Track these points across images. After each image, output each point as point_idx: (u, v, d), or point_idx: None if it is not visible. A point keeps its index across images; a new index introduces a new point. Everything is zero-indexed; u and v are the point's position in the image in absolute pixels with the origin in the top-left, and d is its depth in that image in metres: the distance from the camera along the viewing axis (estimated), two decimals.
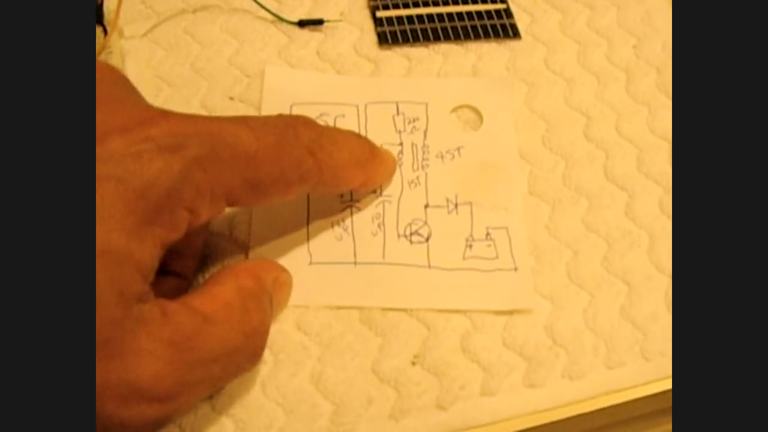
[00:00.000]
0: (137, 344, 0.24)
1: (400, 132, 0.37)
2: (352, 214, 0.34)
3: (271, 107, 0.37)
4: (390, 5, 0.41)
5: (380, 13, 0.41)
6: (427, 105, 0.37)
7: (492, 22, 0.41)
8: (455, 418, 0.30)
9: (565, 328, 0.32)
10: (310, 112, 0.37)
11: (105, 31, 0.38)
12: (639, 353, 0.31)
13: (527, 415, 0.30)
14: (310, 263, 0.33)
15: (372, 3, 0.41)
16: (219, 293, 0.27)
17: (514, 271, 0.33)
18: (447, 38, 0.40)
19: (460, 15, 0.41)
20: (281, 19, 0.40)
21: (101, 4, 0.38)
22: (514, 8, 0.41)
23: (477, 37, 0.40)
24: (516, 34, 0.40)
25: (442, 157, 0.36)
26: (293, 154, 0.28)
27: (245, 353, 0.27)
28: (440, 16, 0.41)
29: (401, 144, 0.36)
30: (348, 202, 0.34)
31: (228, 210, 0.28)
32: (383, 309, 0.32)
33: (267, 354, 0.30)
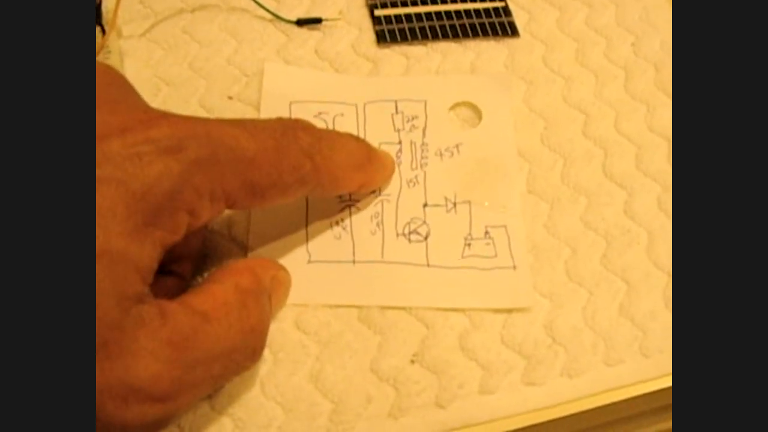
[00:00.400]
0: (137, 345, 0.24)
1: (398, 130, 0.37)
2: (350, 213, 0.34)
3: (270, 105, 0.37)
4: (388, 3, 0.41)
5: (378, 12, 0.41)
6: (425, 102, 0.37)
7: (490, 20, 0.41)
8: (454, 416, 0.30)
9: (564, 326, 0.32)
10: (309, 111, 0.37)
11: (103, 31, 0.38)
12: (638, 351, 0.31)
13: (526, 413, 0.30)
14: (309, 262, 0.33)
15: (370, 1, 0.41)
16: (217, 292, 0.27)
17: (513, 269, 0.33)
18: (445, 36, 0.40)
19: (458, 13, 0.41)
20: (280, 18, 0.40)
21: (99, 4, 0.38)
22: (512, 6, 0.41)
23: (475, 35, 0.40)
24: (514, 32, 0.40)
25: (441, 154, 0.36)
26: (292, 158, 0.28)
27: (244, 351, 0.27)
28: (438, 14, 0.41)
29: (400, 142, 0.36)
30: (347, 201, 0.34)
31: (227, 210, 0.28)
32: (382, 308, 0.32)
33: (266, 353, 0.30)
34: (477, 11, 0.41)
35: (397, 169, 0.35)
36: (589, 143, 0.37)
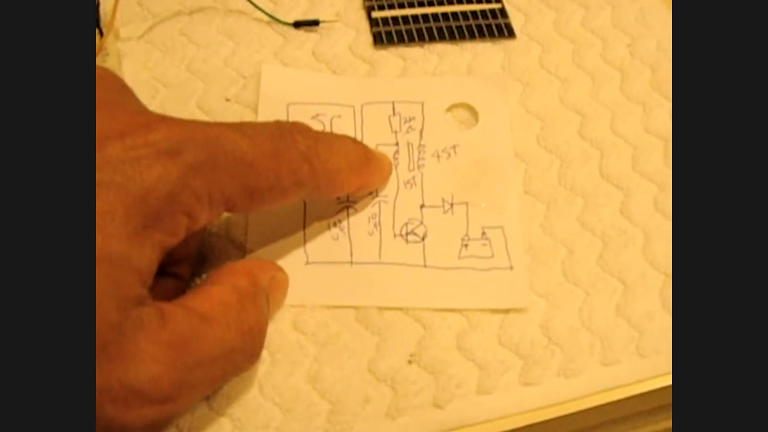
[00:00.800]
0: (136, 347, 0.24)
1: (396, 132, 0.37)
2: (348, 214, 0.34)
3: (267, 106, 0.37)
4: (385, 6, 0.41)
5: (375, 14, 0.41)
6: (422, 104, 0.37)
7: (487, 21, 0.41)
8: (451, 416, 0.30)
9: (560, 327, 0.32)
10: (307, 112, 0.37)
11: (101, 33, 0.38)
12: (635, 351, 0.32)
13: (523, 413, 0.30)
14: (307, 263, 0.33)
15: (367, 3, 0.41)
16: (215, 293, 0.27)
17: (510, 269, 0.33)
18: (442, 38, 0.40)
19: (455, 15, 0.41)
20: (277, 20, 0.40)
21: (97, 6, 0.38)
22: (508, 8, 0.42)
23: (472, 36, 0.40)
24: (511, 34, 0.41)
25: (438, 156, 0.36)
26: (290, 161, 0.28)
27: (243, 353, 0.27)
28: (435, 16, 0.41)
29: (397, 144, 0.36)
30: (344, 202, 0.34)
31: (225, 213, 0.28)
32: (379, 308, 0.32)
33: (264, 353, 0.30)
34: (474, 13, 0.41)
35: (394, 171, 0.35)
36: (585, 144, 0.37)
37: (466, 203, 0.35)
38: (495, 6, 0.42)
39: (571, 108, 0.38)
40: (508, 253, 0.33)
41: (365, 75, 0.39)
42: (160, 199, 0.25)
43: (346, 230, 0.34)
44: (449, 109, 0.38)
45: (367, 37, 0.40)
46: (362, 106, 0.37)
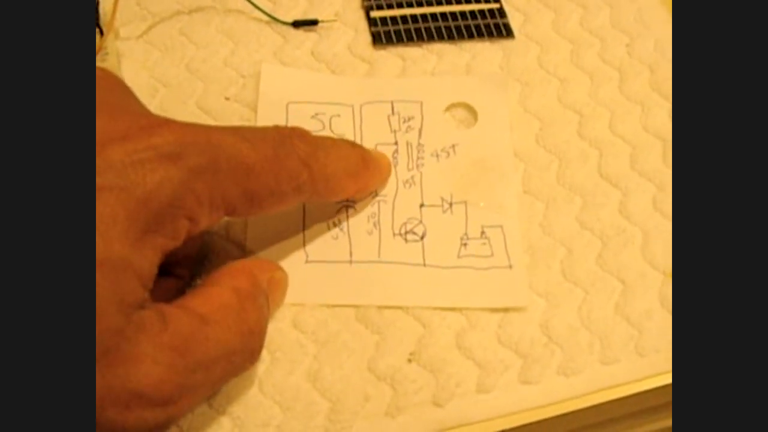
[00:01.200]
0: (138, 351, 0.24)
1: (395, 131, 0.37)
2: (347, 213, 0.34)
3: (266, 106, 0.37)
4: (384, 5, 0.41)
5: (374, 14, 0.41)
6: (421, 103, 0.37)
7: (485, 21, 0.41)
8: (451, 414, 0.30)
9: (560, 326, 0.32)
10: (306, 112, 0.37)
11: (101, 33, 0.38)
12: (634, 350, 0.32)
13: (523, 411, 0.30)
14: (307, 262, 0.33)
15: (366, 3, 0.41)
16: (215, 294, 0.27)
17: (509, 268, 0.33)
18: (441, 38, 0.40)
19: (453, 15, 0.41)
20: (276, 20, 0.40)
21: (97, 6, 0.38)
22: (507, 8, 0.42)
23: (471, 36, 0.40)
24: (509, 34, 0.41)
25: (437, 155, 0.36)
26: (289, 167, 0.29)
27: (244, 353, 0.27)
28: (434, 15, 0.41)
29: (396, 143, 0.36)
30: (344, 202, 0.34)
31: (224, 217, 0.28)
32: (379, 307, 0.32)
33: (264, 352, 0.30)
34: (472, 13, 0.41)
35: (393, 170, 0.35)
36: (584, 144, 0.37)
37: (465, 202, 0.35)
38: (494, 6, 0.42)
39: (570, 107, 0.38)
40: (508, 252, 0.34)
41: (364, 74, 0.39)
42: (162, 203, 0.25)
43: (345, 229, 0.34)
44: (448, 108, 0.38)
45: (366, 36, 0.40)
46: (361, 106, 0.37)
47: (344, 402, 0.30)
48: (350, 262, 0.33)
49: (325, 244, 0.33)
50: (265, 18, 0.40)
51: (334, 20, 0.41)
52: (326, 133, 0.36)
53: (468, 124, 0.38)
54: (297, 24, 0.40)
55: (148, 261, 0.25)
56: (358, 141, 0.36)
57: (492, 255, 0.33)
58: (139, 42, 0.39)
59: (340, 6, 0.41)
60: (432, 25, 0.40)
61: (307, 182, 0.29)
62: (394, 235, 0.34)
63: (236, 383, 0.30)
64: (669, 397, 0.31)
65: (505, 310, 0.32)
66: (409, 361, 0.31)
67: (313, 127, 0.36)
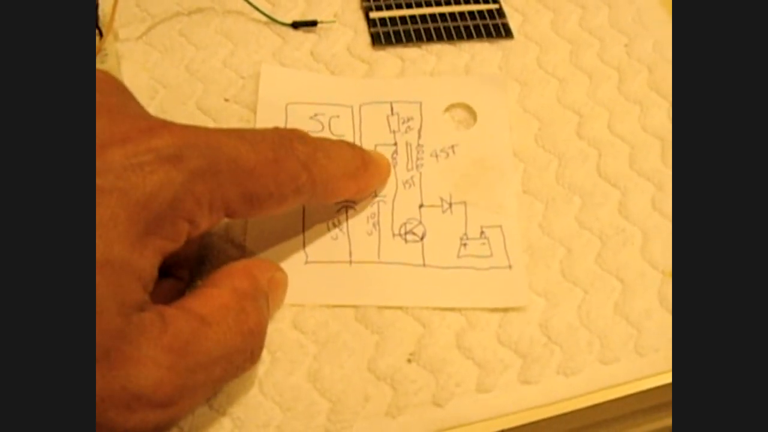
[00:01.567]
0: (138, 352, 0.24)
1: (394, 132, 0.37)
2: (347, 214, 0.34)
3: (266, 107, 0.37)
4: (383, 6, 0.41)
5: (373, 14, 0.41)
6: (421, 104, 0.37)
7: (484, 22, 0.41)
8: (451, 414, 0.30)
9: (559, 325, 0.32)
10: (305, 112, 0.37)
11: (100, 34, 0.38)
12: (633, 349, 0.32)
13: (522, 411, 0.30)
14: (306, 262, 0.33)
15: (365, 4, 0.41)
16: (215, 295, 0.27)
17: (509, 268, 0.33)
18: (440, 38, 0.40)
19: (452, 15, 0.41)
20: (275, 21, 0.40)
21: (96, 8, 0.38)
22: (506, 8, 0.42)
23: (470, 37, 0.40)
24: (508, 34, 0.41)
25: (436, 156, 0.36)
26: (289, 169, 0.29)
27: (244, 354, 0.27)
28: (433, 16, 0.41)
29: (395, 144, 0.36)
30: (343, 202, 0.34)
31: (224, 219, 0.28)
32: (379, 307, 0.32)
33: (264, 353, 0.30)
34: (471, 13, 0.41)
35: (393, 170, 0.35)
36: (583, 143, 0.37)
37: (465, 203, 0.35)
38: (492, 6, 0.42)
39: (569, 108, 0.38)
40: (507, 252, 0.34)
41: (363, 75, 0.39)
42: (162, 205, 0.25)
43: (345, 230, 0.34)
44: (447, 109, 0.38)
45: (365, 37, 0.40)
46: (360, 106, 0.37)
47: (344, 402, 0.30)
48: (350, 262, 0.33)
49: (325, 244, 0.33)
50: (264, 19, 0.40)
51: (333, 21, 0.41)
52: (325, 133, 0.36)
53: (467, 125, 0.38)
54: (296, 25, 0.40)
55: (149, 263, 0.25)
56: (357, 142, 0.36)
57: (491, 255, 0.33)
58: (138, 43, 0.39)
59: (339, 7, 0.41)
60: (431, 25, 0.41)
61: (307, 184, 0.29)
62: (393, 235, 0.34)
63: (236, 384, 0.30)
64: (669, 397, 0.31)
65: (505, 309, 0.32)
66: (409, 361, 0.31)
67: (313, 128, 0.36)
